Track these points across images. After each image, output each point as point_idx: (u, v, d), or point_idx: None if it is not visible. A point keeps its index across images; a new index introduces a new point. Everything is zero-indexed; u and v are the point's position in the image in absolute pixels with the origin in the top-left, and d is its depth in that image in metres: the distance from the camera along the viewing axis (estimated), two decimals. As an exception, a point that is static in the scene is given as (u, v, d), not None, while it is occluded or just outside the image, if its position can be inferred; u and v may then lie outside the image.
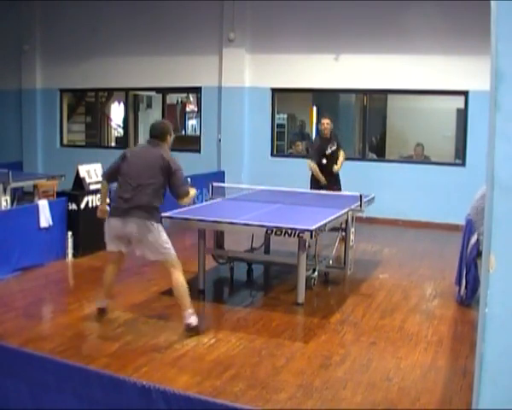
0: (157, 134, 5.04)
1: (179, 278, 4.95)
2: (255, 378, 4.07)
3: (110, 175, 5.14)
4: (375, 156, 11.24)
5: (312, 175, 8.33)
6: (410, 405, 3.76)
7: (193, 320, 4.84)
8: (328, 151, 8.22)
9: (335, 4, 10.25)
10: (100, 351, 4.52)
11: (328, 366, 4.33)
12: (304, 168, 10.89)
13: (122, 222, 4.86)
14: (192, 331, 4.82)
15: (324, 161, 8.21)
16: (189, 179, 5.51)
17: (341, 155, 8.36)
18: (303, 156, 11.63)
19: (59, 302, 6.06)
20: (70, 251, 7.31)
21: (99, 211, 5.36)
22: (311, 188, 8.28)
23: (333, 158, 8.27)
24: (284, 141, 12.85)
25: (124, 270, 7.06)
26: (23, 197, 10.31)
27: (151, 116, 14.55)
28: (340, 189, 8.25)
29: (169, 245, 4.91)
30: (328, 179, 8.17)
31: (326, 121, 8.19)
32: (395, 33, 9.96)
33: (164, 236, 4.90)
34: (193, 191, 5.28)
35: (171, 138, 5.12)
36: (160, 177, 4.90)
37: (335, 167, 8.19)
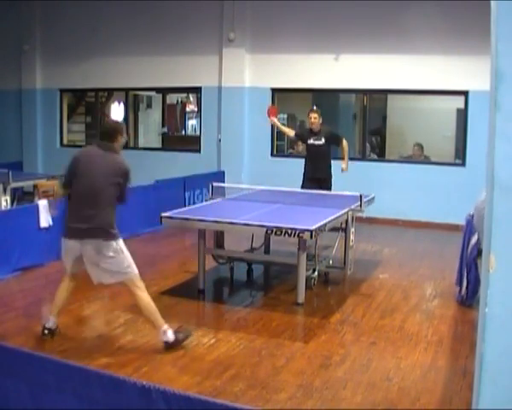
0: (108, 135, 4.55)
1: (145, 298, 4.55)
2: (255, 378, 4.07)
3: (70, 185, 4.56)
4: (375, 156, 11.24)
5: (305, 169, 8.29)
6: (410, 405, 3.75)
7: (169, 336, 4.48)
8: (310, 141, 8.11)
9: (335, 4, 10.25)
10: (100, 351, 4.52)
11: (328, 366, 4.33)
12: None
13: (80, 244, 4.42)
14: (172, 347, 4.49)
15: (307, 149, 8.34)
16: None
17: (344, 147, 8.16)
18: (303, 156, 11.67)
19: (59, 302, 6.04)
20: (70, 251, 7.30)
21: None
22: (302, 184, 8.21)
23: (319, 153, 8.08)
24: (284, 141, 12.84)
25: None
26: (23, 197, 10.31)
27: (151, 116, 14.56)
28: (328, 188, 8.05)
29: (131, 262, 4.51)
30: (315, 179, 8.06)
31: (313, 115, 8.06)
32: (395, 33, 9.96)
33: (126, 253, 4.50)
34: None
35: (122, 139, 4.61)
36: (116, 186, 4.47)
37: (342, 166, 8.06)
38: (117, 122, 4.96)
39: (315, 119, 8.04)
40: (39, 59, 12.76)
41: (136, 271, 4.54)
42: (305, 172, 8.26)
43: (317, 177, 8.08)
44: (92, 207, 4.39)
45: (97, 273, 4.51)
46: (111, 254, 4.40)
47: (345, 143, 8.18)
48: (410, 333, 5.05)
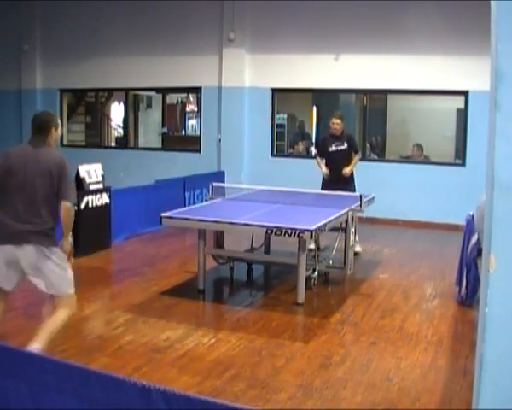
0: (41, 129, 4.04)
1: (63, 318, 4.09)
2: (255, 378, 4.07)
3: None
4: (375, 157, 11.23)
5: (328, 177, 8.12)
6: (410, 405, 3.76)
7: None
8: (332, 148, 8.00)
9: (335, 4, 10.25)
10: (100, 351, 4.52)
11: (328, 366, 4.33)
12: (304, 168, 10.91)
13: (14, 249, 3.92)
14: None
15: (327, 157, 8.06)
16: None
17: (355, 157, 8.06)
18: (303, 156, 11.68)
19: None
20: (70, 251, 7.29)
21: None
22: (322, 188, 8.10)
23: (341, 158, 7.98)
24: (284, 141, 12.85)
25: (124, 270, 7.10)
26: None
27: (151, 116, 14.56)
28: (352, 190, 7.86)
29: (70, 275, 4.15)
30: (335, 180, 7.90)
31: (336, 121, 8.00)
32: (395, 33, 9.96)
33: (65, 264, 4.14)
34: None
35: (56, 132, 4.15)
36: (54, 184, 3.97)
37: (345, 169, 7.86)
38: (49, 112, 4.35)
39: (337, 124, 7.98)
40: (39, 59, 12.77)
41: (72, 288, 4.16)
42: (327, 177, 8.05)
43: (339, 182, 7.89)
44: (28, 208, 3.96)
45: (38, 280, 4.03)
46: (51, 261, 4.01)
47: (359, 155, 8.15)
48: (410, 333, 5.05)
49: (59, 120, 4.31)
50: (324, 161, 8.08)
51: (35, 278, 4.00)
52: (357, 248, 7.73)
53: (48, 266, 3.99)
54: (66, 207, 4.03)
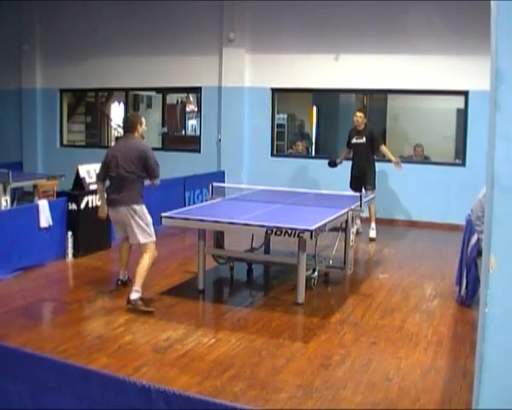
0: (129, 128, 5.70)
1: (146, 261, 5.57)
2: (255, 378, 4.07)
3: (101, 175, 5.83)
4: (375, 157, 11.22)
5: (351, 167, 9.02)
6: (410, 405, 3.76)
7: (134, 296, 5.35)
8: (353, 140, 8.85)
9: (335, 4, 10.25)
10: (100, 351, 4.52)
11: (328, 366, 4.33)
12: (304, 168, 10.93)
13: (114, 211, 5.66)
14: (129, 305, 5.34)
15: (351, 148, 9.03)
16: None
17: (384, 148, 9.01)
18: (303, 156, 11.68)
19: (59, 302, 6.05)
20: (70, 251, 7.31)
21: (99, 211, 5.96)
22: (350, 183, 8.94)
23: (360, 151, 8.85)
24: (284, 141, 12.85)
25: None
26: (23, 197, 10.31)
27: (151, 116, 14.56)
28: (370, 187, 8.67)
29: (151, 227, 5.66)
30: (357, 174, 8.83)
31: (359, 114, 8.85)
32: (395, 33, 9.96)
33: (147, 218, 5.63)
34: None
35: (142, 128, 5.69)
36: (138, 165, 5.51)
37: (394, 161, 8.94)
38: (134, 114, 6.10)
39: (360, 117, 8.78)
40: (39, 59, 12.76)
41: (153, 236, 5.76)
42: (351, 170, 9.00)
43: (359, 175, 8.82)
44: (118, 182, 5.67)
45: (130, 233, 5.74)
46: (135, 215, 5.62)
47: (383, 147, 9.00)
48: (410, 333, 5.05)
49: (143, 118, 5.81)
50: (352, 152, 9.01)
51: (128, 231, 5.74)
52: (373, 234, 8.74)
53: (134, 220, 5.60)
54: (155, 181, 5.71)
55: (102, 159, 5.82)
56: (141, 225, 5.58)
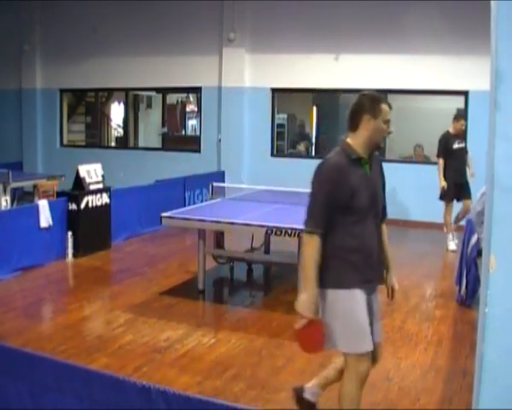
0: (347, 119, 3.12)
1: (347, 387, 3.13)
2: (255, 378, 4.07)
3: None
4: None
5: (447, 174, 8.07)
6: (410, 405, 3.76)
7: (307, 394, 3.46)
8: (455, 146, 8.10)
9: (335, 4, 10.25)
10: (100, 351, 4.52)
11: (328, 366, 4.32)
12: (304, 168, 10.87)
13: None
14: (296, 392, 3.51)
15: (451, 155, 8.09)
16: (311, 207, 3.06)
17: (469, 157, 8.27)
18: (303, 156, 11.68)
19: (59, 302, 6.06)
20: (70, 251, 7.31)
21: None
22: (440, 197, 8.21)
23: (463, 156, 8.15)
24: (284, 141, 12.84)
25: (124, 270, 7.10)
26: (23, 197, 10.31)
27: (151, 116, 14.56)
28: (468, 196, 7.98)
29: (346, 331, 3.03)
30: (459, 181, 8.02)
31: (463, 122, 8.22)
32: (395, 33, 9.96)
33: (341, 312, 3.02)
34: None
35: (377, 121, 2.99)
36: None
37: (469, 171, 8.12)
38: (365, 94, 3.10)
39: (463, 126, 8.17)
40: (39, 59, 12.76)
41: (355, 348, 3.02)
42: (447, 177, 8.07)
43: (461, 182, 8.06)
44: None
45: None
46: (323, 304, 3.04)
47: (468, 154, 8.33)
48: (410, 333, 5.04)
49: (380, 105, 3.01)
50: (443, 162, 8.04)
51: None
52: (452, 247, 8.03)
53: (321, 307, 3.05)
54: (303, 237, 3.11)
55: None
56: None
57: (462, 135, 8.23)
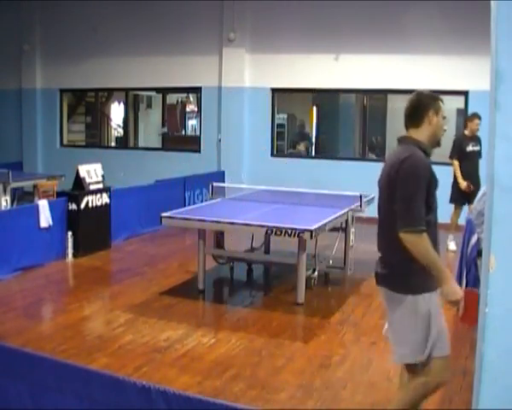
0: (405, 118, 3.06)
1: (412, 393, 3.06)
2: (255, 378, 4.07)
3: None
4: (374, 156, 11.23)
5: (454, 181, 7.79)
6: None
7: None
8: (469, 148, 7.79)
9: (335, 4, 10.25)
10: (100, 351, 4.52)
11: (328, 366, 4.33)
12: (304, 168, 10.91)
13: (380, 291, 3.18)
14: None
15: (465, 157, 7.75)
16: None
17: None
18: (303, 156, 11.68)
19: (59, 302, 6.06)
20: (70, 251, 7.31)
21: None
22: (451, 199, 7.84)
23: (477, 159, 7.76)
24: (284, 141, 12.85)
25: (124, 270, 7.11)
26: (23, 197, 10.32)
27: (151, 116, 14.57)
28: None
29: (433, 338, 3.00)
30: (473, 183, 7.62)
31: (479, 122, 7.73)
32: (395, 33, 9.96)
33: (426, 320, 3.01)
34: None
35: (437, 118, 3.00)
36: (392, 199, 3.01)
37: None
38: (423, 93, 3.06)
39: (478, 125, 7.73)
40: (39, 59, 12.76)
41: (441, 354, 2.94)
42: (457, 181, 7.79)
43: (474, 184, 7.67)
44: (380, 239, 3.19)
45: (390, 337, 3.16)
46: (398, 309, 3.00)
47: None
48: (410, 333, 5.03)
49: (438, 102, 3.02)
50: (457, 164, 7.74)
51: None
52: (452, 247, 7.73)
53: (395, 314, 3.03)
54: (401, 238, 2.91)
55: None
56: None
57: (476, 137, 7.80)
